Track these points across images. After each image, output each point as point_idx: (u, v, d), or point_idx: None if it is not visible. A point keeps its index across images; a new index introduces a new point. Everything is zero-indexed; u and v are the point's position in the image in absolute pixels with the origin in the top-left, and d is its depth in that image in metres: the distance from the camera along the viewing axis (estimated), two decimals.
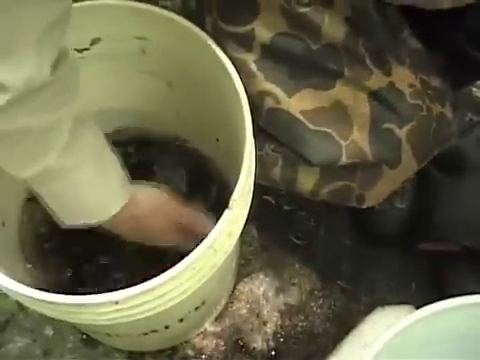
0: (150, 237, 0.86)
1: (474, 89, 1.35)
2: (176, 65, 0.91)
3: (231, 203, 0.73)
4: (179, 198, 0.86)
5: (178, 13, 0.84)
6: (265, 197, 1.22)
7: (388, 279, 1.19)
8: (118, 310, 0.71)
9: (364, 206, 0.94)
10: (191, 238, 0.80)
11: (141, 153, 1.02)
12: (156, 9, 0.85)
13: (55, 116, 0.65)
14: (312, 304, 1.16)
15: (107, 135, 0.78)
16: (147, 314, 0.74)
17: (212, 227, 0.73)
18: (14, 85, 0.58)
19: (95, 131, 0.74)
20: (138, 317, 0.74)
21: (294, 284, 1.17)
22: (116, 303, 0.70)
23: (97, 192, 0.75)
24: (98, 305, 0.69)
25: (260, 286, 1.17)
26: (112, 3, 0.85)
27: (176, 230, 0.86)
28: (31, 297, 0.70)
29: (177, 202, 0.86)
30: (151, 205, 0.82)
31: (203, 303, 0.94)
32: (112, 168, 0.77)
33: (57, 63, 0.63)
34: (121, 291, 0.69)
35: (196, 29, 0.83)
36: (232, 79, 0.79)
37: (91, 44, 0.90)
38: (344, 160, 0.85)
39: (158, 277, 0.69)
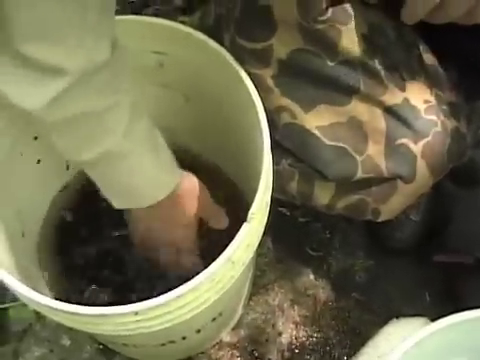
0: (178, 222, 0.85)
1: None
2: (193, 79, 0.93)
3: (249, 216, 0.74)
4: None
5: (196, 29, 0.86)
6: (280, 209, 1.23)
7: (402, 290, 1.19)
8: (138, 321, 0.72)
9: (380, 220, 0.95)
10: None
11: None
12: (174, 24, 0.86)
13: (115, 97, 0.66)
14: (327, 315, 1.17)
15: None
16: (166, 325, 0.75)
17: (226, 224, 0.80)
18: (74, 68, 0.59)
19: (147, 115, 0.75)
20: (157, 328, 0.75)
21: (309, 295, 1.18)
22: (136, 314, 0.71)
23: (153, 174, 0.76)
24: (119, 316, 0.71)
25: (275, 297, 1.17)
26: (131, 18, 0.87)
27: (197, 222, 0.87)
28: (52, 308, 0.72)
29: (208, 194, 0.87)
30: (191, 188, 0.84)
31: (220, 314, 0.94)
32: (164, 153, 0.78)
33: (114, 44, 0.64)
34: (142, 302, 0.70)
35: (214, 44, 0.84)
36: (250, 93, 0.80)
37: None
38: (359, 175, 0.87)
39: (178, 288, 0.70)
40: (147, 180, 0.76)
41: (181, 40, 0.87)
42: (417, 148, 0.86)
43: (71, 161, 0.70)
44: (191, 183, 0.84)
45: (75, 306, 0.71)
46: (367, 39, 0.84)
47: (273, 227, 1.18)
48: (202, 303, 0.76)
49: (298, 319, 1.16)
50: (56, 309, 0.72)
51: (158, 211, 0.80)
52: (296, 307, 1.17)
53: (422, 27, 0.88)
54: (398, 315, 1.00)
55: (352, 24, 0.82)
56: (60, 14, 0.56)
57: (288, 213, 1.24)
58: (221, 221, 0.87)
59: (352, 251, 1.22)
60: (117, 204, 0.78)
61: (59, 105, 0.61)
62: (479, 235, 1.14)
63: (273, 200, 1.09)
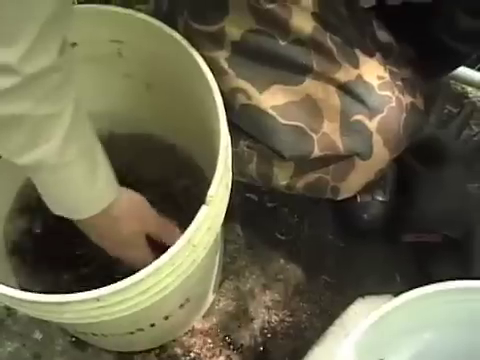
0: (119, 240, 0.84)
1: (452, 81, 1.36)
2: (152, 67, 0.93)
3: (208, 199, 0.75)
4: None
5: (151, 16, 0.86)
6: (248, 195, 1.24)
7: (372, 272, 1.19)
8: (100, 307, 0.72)
9: (339, 198, 0.95)
10: (156, 252, 0.82)
11: (121, 154, 1.02)
12: (130, 12, 0.86)
13: (58, 106, 0.67)
14: (298, 299, 1.17)
15: None
16: (129, 311, 0.75)
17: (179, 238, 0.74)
18: (23, 68, 0.60)
19: (89, 128, 0.75)
20: (121, 314, 0.75)
21: (280, 280, 1.18)
22: (98, 300, 0.71)
23: (86, 190, 0.75)
24: (80, 302, 0.70)
25: (246, 283, 1.18)
26: (85, 8, 0.87)
27: (145, 239, 0.86)
28: (14, 297, 0.71)
29: (152, 211, 0.86)
30: (130, 208, 0.82)
31: (187, 300, 0.94)
32: (102, 167, 0.77)
33: (62, 48, 0.64)
34: (102, 288, 0.70)
35: (169, 30, 0.84)
36: (206, 77, 0.81)
37: None
38: (316, 153, 0.87)
39: (138, 273, 0.71)
40: (79, 194, 0.75)
41: (138, 28, 0.87)
42: (372, 124, 0.87)
43: (9, 160, 0.70)
44: (131, 202, 0.83)
45: (36, 295, 0.71)
46: (319, 17, 0.84)
47: (242, 213, 1.20)
48: (164, 288, 0.76)
49: (270, 304, 1.16)
50: (18, 299, 0.72)
51: (94, 227, 0.81)
52: (267, 292, 1.17)
53: (379, 5, 0.89)
54: (364, 294, 1.01)
55: (303, 3, 0.83)
56: (14, 14, 0.57)
57: (256, 199, 1.24)
58: (173, 236, 0.81)
59: (321, 234, 1.23)
60: (53, 210, 0.77)
61: (2, 102, 0.62)
62: (445, 214, 1.15)
63: (240, 186, 1.11)
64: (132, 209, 0.83)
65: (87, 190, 0.75)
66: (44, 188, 0.75)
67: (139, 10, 0.89)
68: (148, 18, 0.85)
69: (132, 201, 0.83)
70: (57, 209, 0.77)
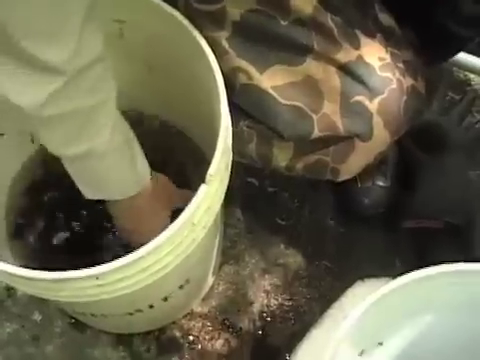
0: (144, 219, 0.87)
1: (455, 68, 1.36)
2: (154, 47, 0.92)
3: (208, 178, 0.74)
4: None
5: None
6: (249, 179, 1.23)
7: (372, 257, 1.19)
8: (99, 285, 0.72)
9: (339, 179, 0.95)
10: None
11: None
12: None
13: (104, 94, 0.68)
14: (297, 284, 1.17)
15: None
16: (128, 290, 0.75)
17: None
18: (71, 66, 0.60)
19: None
20: (120, 293, 0.75)
21: (279, 265, 1.18)
22: (97, 278, 0.71)
23: (129, 172, 0.78)
24: (79, 280, 0.70)
25: (246, 267, 1.18)
26: None
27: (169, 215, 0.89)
28: (13, 274, 0.71)
29: (175, 187, 0.91)
30: (159, 186, 0.86)
31: (187, 281, 0.95)
32: (138, 150, 0.81)
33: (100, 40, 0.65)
34: (101, 266, 0.70)
35: (170, 9, 0.84)
36: (207, 57, 0.81)
37: None
38: (316, 133, 0.87)
39: (137, 251, 0.70)
40: (123, 177, 0.78)
41: (139, 7, 0.87)
42: (373, 105, 0.86)
43: (54, 153, 0.70)
44: (159, 182, 0.87)
45: (35, 271, 0.71)
46: None
47: (242, 198, 1.20)
48: (164, 267, 0.76)
49: (269, 288, 1.16)
50: (15, 275, 0.71)
51: (131, 208, 0.84)
52: (267, 276, 1.17)
53: None
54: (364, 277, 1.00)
55: None
56: (53, 12, 0.57)
57: (257, 183, 1.24)
58: None
59: (321, 219, 1.23)
60: (87, 195, 0.80)
61: (54, 103, 0.62)
62: (446, 200, 1.15)
63: (241, 171, 1.11)
64: (161, 187, 0.87)
65: (130, 172, 0.78)
66: (86, 174, 0.76)
67: None
68: None
69: (160, 181, 0.87)
70: (95, 194, 0.79)
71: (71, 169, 0.75)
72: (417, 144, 1.18)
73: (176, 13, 0.84)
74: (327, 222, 1.22)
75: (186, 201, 0.84)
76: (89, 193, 0.79)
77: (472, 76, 1.36)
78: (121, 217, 0.87)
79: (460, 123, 1.23)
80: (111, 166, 0.75)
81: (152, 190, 0.84)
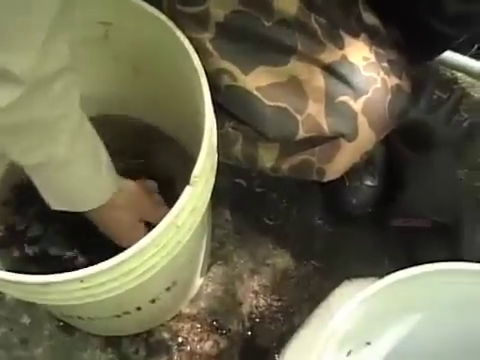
0: (123, 229, 0.87)
1: (442, 67, 1.36)
2: (139, 49, 0.92)
3: (192, 179, 0.74)
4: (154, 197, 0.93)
5: None
6: (237, 180, 1.23)
7: (361, 256, 1.19)
8: (84, 288, 0.72)
9: (325, 180, 0.95)
10: None
11: (106, 136, 1.02)
12: None
13: (68, 107, 0.68)
14: (286, 284, 1.17)
15: None
16: (114, 293, 0.75)
17: None
18: (33, 76, 0.59)
19: (90, 125, 0.76)
20: (105, 296, 0.75)
21: (268, 265, 1.18)
22: (81, 281, 0.70)
23: (90, 185, 0.78)
24: (63, 283, 0.70)
25: (234, 268, 1.18)
26: None
27: (143, 226, 0.88)
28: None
29: (151, 199, 0.90)
30: (129, 197, 0.85)
31: (174, 283, 0.94)
32: (105, 162, 0.79)
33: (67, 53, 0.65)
34: (86, 268, 0.70)
35: (155, 11, 0.84)
36: (191, 59, 0.81)
37: None
38: (301, 134, 0.87)
39: (122, 254, 0.70)
40: (85, 188, 0.78)
41: (124, 9, 0.86)
42: (357, 105, 0.86)
43: (15, 162, 0.70)
44: (130, 192, 0.87)
45: (20, 275, 0.71)
46: None
47: (230, 198, 1.19)
48: (149, 269, 0.75)
49: (258, 289, 1.16)
50: (1, 279, 0.71)
51: (101, 218, 0.84)
52: (256, 277, 1.17)
53: None
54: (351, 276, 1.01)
55: None
56: (13, 22, 0.56)
57: (245, 184, 1.24)
58: None
59: (310, 219, 1.23)
60: (53, 205, 0.79)
61: (11, 112, 0.61)
62: (434, 199, 1.15)
63: (229, 172, 1.10)
64: (131, 198, 0.86)
65: (93, 183, 0.78)
66: (48, 184, 0.76)
67: None
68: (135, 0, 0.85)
69: (131, 191, 0.86)
70: (60, 204, 0.78)
71: (34, 179, 0.75)
72: (405, 143, 1.18)
73: (161, 15, 0.83)
74: (315, 222, 1.22)
75: (158, 215, 0.83)
76: (54, 204, 0.79)
77: (459, 74, 1.36)
78: (99, 225, 0.86)
79: (448, 122, 1.23)
80: (73, 176, 0.74)
81: (122, 200, 0.83)
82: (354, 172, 1.07)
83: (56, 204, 0.78)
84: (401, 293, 0.75)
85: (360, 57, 0.87)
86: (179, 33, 0.82)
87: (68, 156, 0.71)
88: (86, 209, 0.80)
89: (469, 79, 1.36)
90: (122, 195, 0.83)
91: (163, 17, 0.83)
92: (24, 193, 1.00)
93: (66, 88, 0.66)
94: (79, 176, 0.75)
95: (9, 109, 0.61)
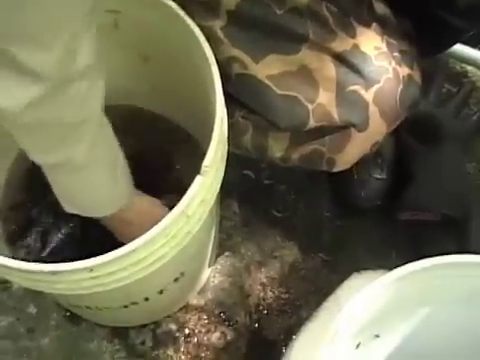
0: (128, 236, 0.83)
1: (451, 60, 1.35)
2: (148, 38, 0.92)
3: (203, 169, 0.74)
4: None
5: None
6: (245, 172, 1.23)
7: (369, 249, 1.19)
8: (93, 278, 0.72)
9: (335, 170, 0.95)
10: None
11: (116, 126, 1.02)
12: None
13: (90, 112, 0.67)
14: (294, 276, 1.17)
15: None
16: (122, 282, 0.75)
17: None
18: (52, 74, 0.59)
19: (112, 131, 0.76)
20: (114, 285, 0.74)
21: (276, 257, 1.18)
22: (91, 270, 0.70)
23: (104, 192, 0.77)
24: (72, 272, 0.70)
25: (242, 260, 1.17)
26: None
27: None
28: (7, 266, 0.71)
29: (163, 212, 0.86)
30: (141, 211, 0.85)
31: (182, 274, 0.94)
32: (122, 171, 0.80)
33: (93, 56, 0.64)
34: (95, 258, 0.69)
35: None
36: (202, 47, 0.80)
37: None
38: (312, 123, 0.86)
39: (131, 243, 0.70)
40: (99, 194, 0.78)
41: None
42: (368, 95, 0.86)
43: (32, 159, 0.70)
44: (143, 206, 0.86)
45: (29, 263, 0.70)
46: None
47: (238, 190, 1.19)
48: (158, 259, 0.75)
49: (265, 281, 1.16)
50: (11, 267, 0.71)
51: (112, 226, 0.85)
52: (263, 269, 1.17)
53: None
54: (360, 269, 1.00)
55: None
56: (43, 19, 0.55)
57: (253, 176, 1.23)
58: None
59: (318, 212, 1.22)
60: (65, 207, 0.79)
61: (34, 109, 0.61)
62: (443, 192, 1.15)
63: (237, 163, 1.10)
64: (143, 212, 0.85)
65: (107, 190, 0.77)
66: (64, 187, 0.76)
67: None
68: None
69: (143, 205, 0.86)
70: (72, 207, 0.79)
71: (50, 178, 0.74)
72: (413, 136, 1.18)
73: (171, 2, 0.83)
74: (323, 214, 1.22)
75: None
76: (66, 205, 0.79)
77: (469, 68, 1.36)
78: (114, 233, 0.87)
79: (457, 115, 1.23)
80: (87, 180, 0.74)
81: (131, 214, 0.83)
82: (362, 164, 1.07)
83: (69, 207, 0.79)
84: (411, 286, 0.75)
85: (372, 46, 0.86)
86: (189, 21, 0.82)
87: (86, 160, 0.70)
88: (97, 215, 0.80)
89: (479, 73, 1.35)
90: (135, 207, 0.83)
91: (173, 4, 0.83)
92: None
93: (90, 89, 0.65)
94: (94, 181, 0.75)
95: (31, 107, 0.60)
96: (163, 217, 0.78)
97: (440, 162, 1.16)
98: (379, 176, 1.16)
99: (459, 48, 1.31)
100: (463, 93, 1.26)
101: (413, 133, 1.17)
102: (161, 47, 0.91)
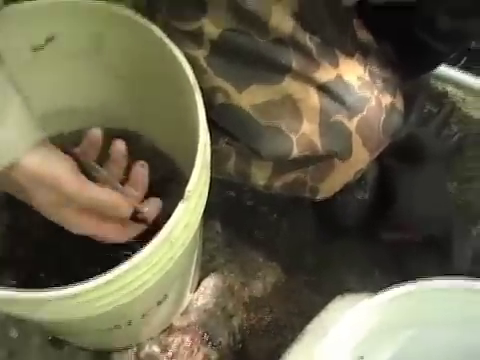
0: (47, 212, 0.73)
1: (432, 80, 1.36)
2: (133, 62, 0.92)
3: (186, 194, 0.74)
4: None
5: (131, 9, 0.85)
6: (228, 193, 1.23)
7: (352, 269, 1.20)
8: (78, 304, 0.71)
9: (318, 198, 0.95)
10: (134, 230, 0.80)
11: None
12: (111, 5, 0.85)
13: None
14: (277, 297, 1.17)
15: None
16: (105, 309, 0.74)
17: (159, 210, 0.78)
18: None
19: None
20: (97, 312, 0.74)
21: (259, 278, 1.18)
22: (75, 296, 0.70)
23: None
24: (55, 299, 0.69)
25: (225, 281, 1.17)
26: (66, 0, 0.86)
27: (83, 212, 0.74)
28: None
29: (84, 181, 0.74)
30: (38, 172, 0.69)
31: (165, 297, 0.94)
32: (14, 114, 0.68)
33: None
34: (78, 285, 0.69)
35: (151, 25, 0.83)
36: (186, 74, 0.80)
37: (46, 42, 0.89)
38: (295, 153, 0.87)
39: (114, 270, 0.70)
40: None
41: (118, 22, 0.86)
42: (351, 124, 0.86)
43: None
44: (36, 163, 0.69)
45: (11, 291, 0.70)
46: (298, 17, 0.84)
47: (221, 211, 1.19)
48: (141, 285, 0.75)
49: (248, 302, 1.16)
50: None
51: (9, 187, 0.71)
52: (246, 290, 1.17)
53: (360, 4, 0.89)
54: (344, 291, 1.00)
55: (283, 2, 0.82)
56: None
57: (236, 197, 1.23)
58: (151, 211, 0.79)
59: (300, 233, 1.23)
60: None
61: None
62: (425, 212, 1.15)
63: (220, 184, 1.10)
64: (37, 175, 0.69)
65: None
66: None
67: (119, 4, 0.88)
68: (129, 12, 0.84)
69: (36, 163, 0.69)
70: None
71: None
72: (395, 156, 1.18)
73: (155, 28, 0.83)
74: (306, 235, 1.22)
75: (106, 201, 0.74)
76: None
77: (449, 88, 1.37)
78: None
79: (438, 135, 1.24)
80: None
81: (21, 175, 0.69)
82: (345, 186, 1.07)
83: None
84: (396, 309, 0.75)
85: (354, 76, 0.87)
86: (174, 48, 0.82)
87: None
88: None
89: (459, 93, 1.37)
90: (20, 168, 0.68)
91: (157, 30, 0.83)
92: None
93: None
94: None
95: None
96: (71, 184, 0.70)
97: (422, 182, 1.17)
98: (361, 196, 1.16)
99: (440, 68, 1.32)
100: (444, 113, 1.28)
101: (395, 153, 1.18)
102: (145, 72, 0.91)
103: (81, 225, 0.75)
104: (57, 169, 0.71)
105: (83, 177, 0.74)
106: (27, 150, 0.68)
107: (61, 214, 0.73)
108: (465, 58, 1.38)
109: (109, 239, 0.78)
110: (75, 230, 0.75)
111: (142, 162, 0.85)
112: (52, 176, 0.70)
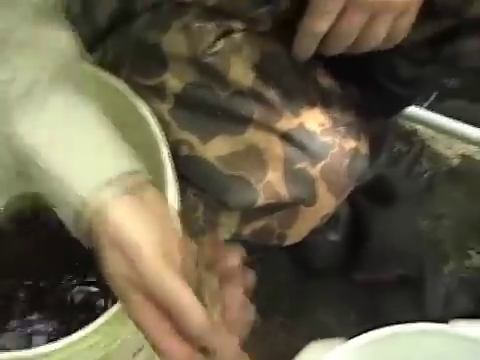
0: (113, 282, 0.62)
1: (401, 120, 1.38)
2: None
3: None
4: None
5: (98, 65, 0.86)
6: None
7: (327, 310, 1.20)
8: None
9: (286, 244, 0.96)
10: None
11: None
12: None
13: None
14: (252, 340, 1.16)
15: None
16: None
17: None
18: None
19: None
20: None
21: None
22: (46, 356, 0.69)
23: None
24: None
25: None
26: None
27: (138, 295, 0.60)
28: None
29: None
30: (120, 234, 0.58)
31: (140, 350, 0.93)
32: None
33: None
34: (46, 345, 0.69)
35: (117, 82, 0.84)
36: (152, 128, 0.81)
37: None
38: (261, 202, 0.88)
39: (87, 327, 0.69)
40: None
41: (87, 79, 0.86)
42: (315, 171, 0.87)
43: None
44: (137, 211, 0.61)
45: None
46: (259, 68, 0.85)
47: None
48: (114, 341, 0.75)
49: None
50: None
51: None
52: None
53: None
54: (323, 336, 1.01)
55: (243, 54, 0.84)
56: None
57: None
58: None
59: (275, 276, 1.23)
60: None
61: None
62: (397, 252, 1.16)
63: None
64: (122, 237, 0.57)
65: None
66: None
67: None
68: (97, 70, 0.86)
69: (127, 221, 0.58)
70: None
71: None
72: (367, 196, 1.19)
73: (124, 86, 0.84)
74: (280, 278, 1.23)
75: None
76: None
77: (418, 127, 1.39)
78: None
79: (408, 174, 1.25)
80: None
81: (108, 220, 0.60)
82: (316, 228, 1.08)
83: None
84: (371, 353, 0.76)
85: (316, 123, 0.88)
86: (139, 102, 0.83)
87: None
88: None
89: (429, 131, 1.38)
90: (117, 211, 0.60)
91: (126, 88, 0.84)
92: None
93: None
94: None
95: None
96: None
97: (394, 222, 1.18)
98: (334, 238, 1.18)
99: (408, 108, 1.34)
100: (414, 152, 1.29)
101: (366, 194, 1.19)
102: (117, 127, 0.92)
103: (140, 321, 0.61)
104: (140, 234, 0.58)
105: (173, 256, 0.60)
106: (113, 193, 0.59)
107: (128, 296, 0.60)
108: (434, 96, 1.40)
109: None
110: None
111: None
112: (129, 243, 0.59)
